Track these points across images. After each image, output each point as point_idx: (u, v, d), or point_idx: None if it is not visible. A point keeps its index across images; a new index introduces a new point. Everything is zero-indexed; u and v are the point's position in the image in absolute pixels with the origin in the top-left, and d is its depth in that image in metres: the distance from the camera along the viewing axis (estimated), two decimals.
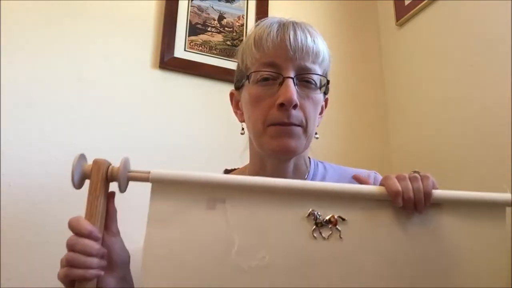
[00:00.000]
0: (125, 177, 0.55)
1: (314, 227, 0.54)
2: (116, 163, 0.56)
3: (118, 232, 0.58)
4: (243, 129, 0.76)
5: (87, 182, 0.56)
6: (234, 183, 0.55)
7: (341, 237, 0.54)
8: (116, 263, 0.57)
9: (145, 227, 0.53)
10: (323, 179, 0.75)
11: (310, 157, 0.79)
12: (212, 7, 1.36)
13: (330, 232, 0.54)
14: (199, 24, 1.32)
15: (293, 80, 0.65)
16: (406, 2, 1.45)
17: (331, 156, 1.35)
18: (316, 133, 0.73)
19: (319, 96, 0.69)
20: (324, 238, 0.54)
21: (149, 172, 0.54)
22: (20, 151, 1.04)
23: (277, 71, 0.65)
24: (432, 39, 1.35)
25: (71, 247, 0.52)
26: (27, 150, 1.05)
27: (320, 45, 0.69)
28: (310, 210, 0.54)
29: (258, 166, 0.72)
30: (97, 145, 1.11)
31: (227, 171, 0.82)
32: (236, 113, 0.76)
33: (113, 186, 0.57)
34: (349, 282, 0.53)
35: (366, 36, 1.60)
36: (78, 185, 0.55)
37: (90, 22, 1.19)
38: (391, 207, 0.55)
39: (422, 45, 1.39)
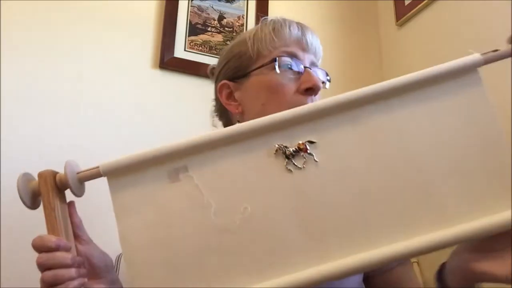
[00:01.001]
0: (74, 180, 0.52)
1: (286, 160, 0.50)
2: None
3: (90, 240, 0.56)
4: (238, 121, 0.73)
5: None
6: (189, 145, 0.51)
7: (316, 160, 0.50)
8: (100, 268, 0.55)
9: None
10: None
11: None
12: (212, 7, 1.36)
13: (304, 160, 0.50)
14: (199, 24, 1.32)
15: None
16: (406, 2, 1.45)
17: None
18: None
19: None
20: (299, 167, 0.50)
21: (98, 167, 0.52)
22: (20, 151, 1.04)
23: (297, 60, 0.68)
24: (432, 39, 1.34)
25: (43, 266, 0.49)
26: (27, 150, 1.05)
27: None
28: (276, 145, 0.51)
29: None
30: (97, 145, 1.11)
31: None
32: (229, 104, 0.73)
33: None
34: (341, 201, 0.49)
35: (366, 36, 1.60)
36: (33, 204, 0.53)
37: (90, 22, 1.19)
38: (356, 117, 0.51)
39: (422, 45, 1.38)
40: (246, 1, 1.41)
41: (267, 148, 0.51)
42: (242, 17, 1.39)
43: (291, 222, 0.49)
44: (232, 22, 1.37)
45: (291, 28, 0.69)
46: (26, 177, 0.54)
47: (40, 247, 0.50)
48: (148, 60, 1.24)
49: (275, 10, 1.44)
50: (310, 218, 0.49)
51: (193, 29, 1.30)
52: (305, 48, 0.69)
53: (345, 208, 0.49)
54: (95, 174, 0.52)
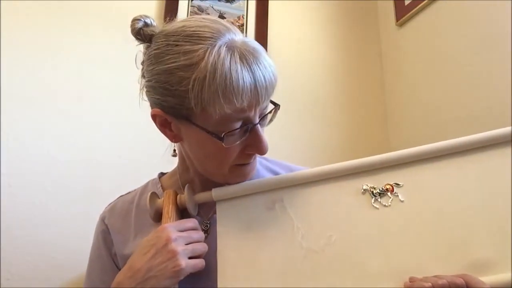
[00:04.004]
0: (192, 201, 0.60)
1: (373, 198, 0.56)
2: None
3: None
4: (175, 150, 0.69)
5: None
6: (285, 180, 0.59)
7: (401, 200, 0.55)
8: None
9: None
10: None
11: None
12: (212, 7, 1.36)
13: (391, 198, 0.56)
14: None
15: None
16: (406, 2, 1.45)
17: (330, 156, 1.35)
18: None
19: None
20: (385, 205, 0.55)
21: (211, 192, 0.60)
22: (20, 151, 1.04)
23: (247, 121, 0.57)
24: (432, 39, 1.35)
25: (186, 239, 0.54)
26: (27, 150, 1.05)
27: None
28: (363, 187, 0.57)
29: (190, 176, 0.67)
30: (97, 145, 1.11)
31: (162, 174, 0.75)
32: (164, 132, 0.62)
33: None
34: (422, 238, 0.53)
35: (366, 36, 1.60)
36: (154, 217, 0.61)
37: (90, 22, 1.20)
38: (436, 161, 0.57)
39: (422, 45, 1.39)
40: (246, 1, 1.41)
41: (355, 186, 0.57)
42: (242, 17, 1.39)
43: (374, 251, 0.53)
44: (232, 22, 1.37)
45: (246, 84, 0.53)
46: (154, 195, 0.62)
47: (178, 227, 0.55)
48: None
49: (275, 10, 1.45)
50: (393, 249, 0.53)
51: None
52: (258, 101, 0.55)
53: (425, 243, 0.53)
54: (207, 198, 0.60)
